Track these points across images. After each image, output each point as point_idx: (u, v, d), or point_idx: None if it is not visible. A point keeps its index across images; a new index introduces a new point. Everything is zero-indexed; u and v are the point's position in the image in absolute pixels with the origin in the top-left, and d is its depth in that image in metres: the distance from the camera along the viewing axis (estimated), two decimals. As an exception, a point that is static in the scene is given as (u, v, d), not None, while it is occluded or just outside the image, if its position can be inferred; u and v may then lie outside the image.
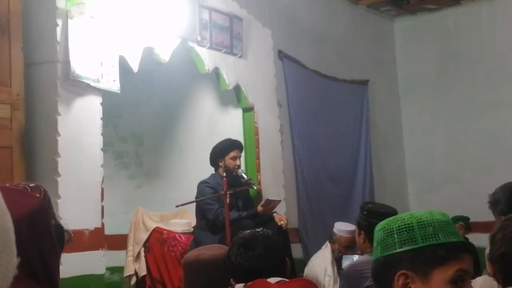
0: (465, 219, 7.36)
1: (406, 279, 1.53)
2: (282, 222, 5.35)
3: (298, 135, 6.97)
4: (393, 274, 1.54)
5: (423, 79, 8.95)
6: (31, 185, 1.51)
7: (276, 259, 2.53)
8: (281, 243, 2.69)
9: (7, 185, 1.54)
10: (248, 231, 2.68)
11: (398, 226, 1.59)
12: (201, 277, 2.75)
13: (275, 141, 6.50)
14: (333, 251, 5.63)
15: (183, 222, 5.76)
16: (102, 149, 4.78)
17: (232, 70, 6.07)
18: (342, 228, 5.66)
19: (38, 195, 1.48)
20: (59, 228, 1.53)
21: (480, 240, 7.28)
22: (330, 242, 5.70)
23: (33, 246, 1.38)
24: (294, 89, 7.00)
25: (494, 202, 3.08)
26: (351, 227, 5.38)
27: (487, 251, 2.03)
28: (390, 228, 1.61)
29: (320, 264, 5.63)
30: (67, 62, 4.49)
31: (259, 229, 2.74)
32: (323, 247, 5.75)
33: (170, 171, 6.84)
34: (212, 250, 2.83)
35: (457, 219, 7.42)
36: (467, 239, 7.36)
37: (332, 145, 7.54)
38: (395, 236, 1.58)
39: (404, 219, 1.60)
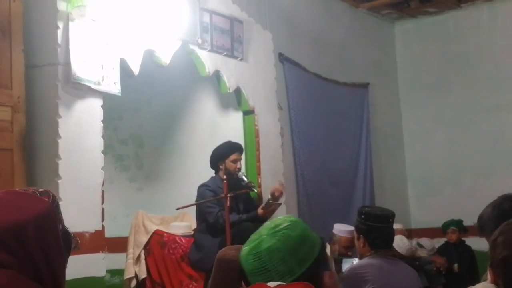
0: (457, 223, 7.36)
1: None
2: (277, 194, 5.38)
3: (298, 138, 6.98)
4: None
5: (423, 82, 8.96)
6: (40, 190, 1.51)
7: None
8: None
9: (17, 189, 1.54)
10: None
11: None
12: (236, 278, 2.71)
13: (276, 143, 6.50)
14: (333, 252, 5.69)
15: (183, 225, 5.75)
16: (102, 152, 4.78)
17: (232, 73, 6.07)
18: (342, 228, 5.73)
19: (46, 200, 1.48)
20: (67, 233, 1.54)
21: (479, 244, 7.30)
22: (329, 243, 5.77)
23: (39, 249, 1.38)
24: (294, 92, 7.01)
25: (484, 224, 2.90)
26: (351, 227, 5.42)
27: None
28: None
29: None
30: (68, 65, 4.49)
31: None
32: None
33: (170, 173, 6.83)
34: None
35: (447, 224, 7.42)
36: (463, 241, 7.37)
37: (333, 148, 7.54)
38: None
39: None
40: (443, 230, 7.44)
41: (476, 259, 7.17)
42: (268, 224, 1.71)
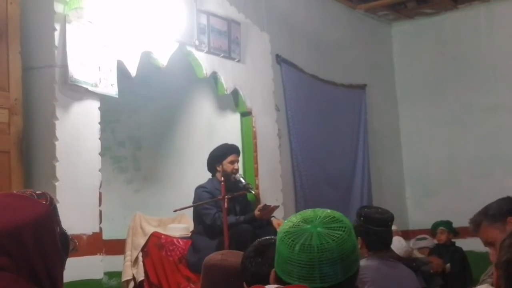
0: (446, 224, 7.37)
1: None
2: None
3: (296, 139, 6.97)
4: None
5: (420, 83, 8.96)
6: (37, 192, 1.51)
7: None
8: None
9: (14, 191, 1.54)
10: (267, 237, 2.67)
11: None
12: (222, 283, 2.70)
13: (273, 145, 6.50)
14: None
15: (181, 226, 5.75)
16: (100, 154, 4.77)
17: (230, 75, 6.07)
18: None
19: (44, 202, 1.48)
20: (64, 236, 1.54)
21: (478, 244, 7.29)
22: None
23: (37, 252, 1.38)
24: (292, 93, 7.01)
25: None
26: None
27: None
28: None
29: None
30: (65, 67, 4.49)
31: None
32: None
33: (168, 175, 6.83)
34: (236, 257, 2.75)
35: (436, 225, 7.44)
36: (453, 243, 7.38)
37: (330, 149, 7.54)
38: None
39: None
40: (432, 230, 7.46)
41: (468, 260, 7.18)
42: (320, 213, 1.61)
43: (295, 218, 1.60)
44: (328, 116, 7.58)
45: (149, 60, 5.36)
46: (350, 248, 1.56)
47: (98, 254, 4.63)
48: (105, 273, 5.13)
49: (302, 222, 1.58)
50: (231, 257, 2.76)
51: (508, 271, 1.81)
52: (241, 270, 2.56)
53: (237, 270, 2.62)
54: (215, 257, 2.78)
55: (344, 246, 1.54)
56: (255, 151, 6.25)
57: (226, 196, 4.97)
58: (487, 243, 2.60)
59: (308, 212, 1.62)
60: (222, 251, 2.88)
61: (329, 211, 1.64)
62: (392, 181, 8.78)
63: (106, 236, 4.91)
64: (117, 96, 4.90)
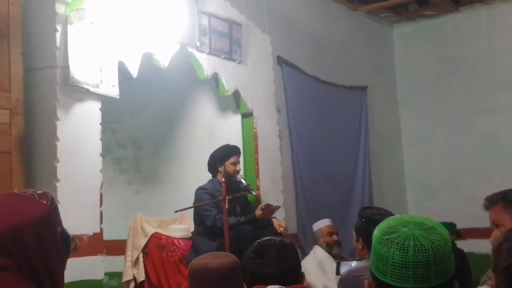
0: (448, 225, 7.36)
1: None
2: (281, 229, 5.35)
3: (297, 141, 6.98)
4: None
5: (422, 85, 8.97)
6: (38, 192, 1.52)
7: (284, 270, 2.50)
8: (296, 255, 2.65)
9: (15, 191, 1.54)
10: (267, 238, 2.68)
11: None
12: (209, 286, 2.70)
13: (274, 146, 6.50)
14: (320, 245, 5.95)
15: (181, 227, 5.76)
16: (101, 155, 4.78)
17: (231, 76, 6.07)
18: (318, 223, 6.10)
19: (45, 202, 1.48)
20: (65, 235, 1.54)
21: (478, 246, 7.32)
22: (316, 243, 5.93)
23: (38, 253, 1.39)
24: (293, 94, 7.01)
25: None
26: (326, 219, 6.06)
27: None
28: None
29: (310, 264, 5.75)
30: (66, 68, 4.49)
31: (277, 238, 2.73)
32: (311, 251, 5.94)
33: (169, 176, 6.83)
34: (219, 258, 2.75)
35: None
36: (454, 244, 7.38)
37: (331, 150, 7.54)
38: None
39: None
40: None
41: (469, 262, 7.17)
42: (407, 218, 1.63)
43: (388, 222, 1.64)
44: (329, 117, 7.58)
45: (150, 61, 5.37)
46: (450, 247, 1.60)
47: (99, 254, 4.64)
48: (106, 274, 5.13)
49: (397, 225, 1.63)
50: (214, 259, 2.74)
51: (509, 278, 1.79)
52: (243, 271, 2.57)
53: (222, 272, 2.62)
54: (198, 261, 2.76)
55: (447, 245, 1.58)
56: (256, 152, 6.25)
57: (227, 197, 4.97)
58: (494, 223, 2.71)
59: (398, 218, 1.65)
60: (204, 254, 2.87)
61: (412, 215, 1.68)
62: (393, 182, 8.78)
63: (106, 236, 4.92)
64: (118, 97, 4.90)
